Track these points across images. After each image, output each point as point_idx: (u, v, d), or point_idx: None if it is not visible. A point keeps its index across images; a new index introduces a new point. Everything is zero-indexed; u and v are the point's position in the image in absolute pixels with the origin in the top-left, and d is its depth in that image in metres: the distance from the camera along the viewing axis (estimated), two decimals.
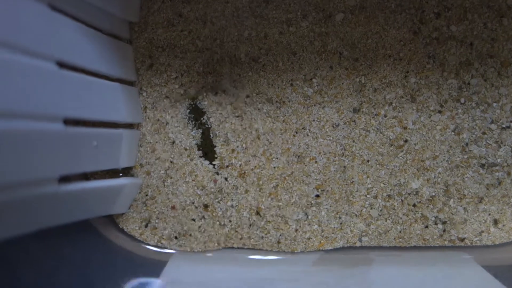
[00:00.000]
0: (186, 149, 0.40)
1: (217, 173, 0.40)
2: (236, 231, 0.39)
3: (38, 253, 0.32)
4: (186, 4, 0.40)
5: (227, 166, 0.39)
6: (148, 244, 0.39)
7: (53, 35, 0.28)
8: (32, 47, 0.26)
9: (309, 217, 0.39)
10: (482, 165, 0.39)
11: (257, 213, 0.39)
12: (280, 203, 0.39)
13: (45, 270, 0.32)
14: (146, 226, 0.39)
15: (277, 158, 0.40)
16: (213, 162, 0.40)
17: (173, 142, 0.40)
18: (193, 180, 0.40)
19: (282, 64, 0.40)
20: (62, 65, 0.29)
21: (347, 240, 0.39)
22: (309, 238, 0.39)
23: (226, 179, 0.40)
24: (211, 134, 0.40)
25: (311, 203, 0.39)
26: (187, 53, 0.41)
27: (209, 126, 0.40)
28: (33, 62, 0.26)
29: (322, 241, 0.39)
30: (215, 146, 0.40)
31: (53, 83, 0.27)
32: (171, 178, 0.40)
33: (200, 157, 0.40)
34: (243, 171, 0.39)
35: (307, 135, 0.40)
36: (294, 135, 0.40)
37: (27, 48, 0.25)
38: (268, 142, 0.39)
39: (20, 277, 0.30)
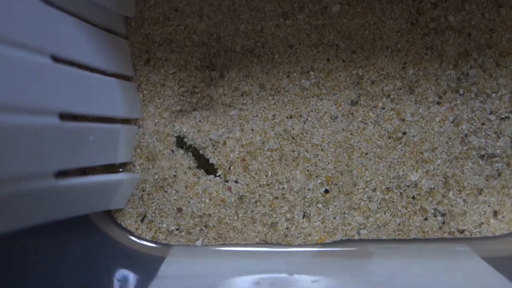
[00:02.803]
0: (190, 168, 0.39)
1: (226, 181, 0.39)
2: (241, 226, 0.39)
3: (37, 248, 0.33)
4: None
5: (230, 168, 0.39)
6: (145, 239, 0.39)
7: (47, 29, 0.28)
8: (26, 41, 0.26)
9: (313, 213, 0.39)
10: (482, 156, 0.39)
11: (260, 205, 0.39)
12: (284, 197, 0.39)
13: (44, 265, 0.32)
14: (142, 220, 0.39)
15: (252, 120, 0.39)
16: (217, 174, 0.39)
17: (172, 150, 0.40)
18: (210, 200, 0.39)
19: (278, 57, 0.40)
20: (56, 59, 0.29)
21: (346, 233, 0.39)
22: (309, 234, 0.39)
23: (236, 181, 0.39)
24: (200, 151, 0.39)
25: (319, 200, 0.39)
26: (184, 48, 0.40)
27: (194, 144, 0.39)
28: (26, 56, 0.26)
29: (322, 237, 0.39)
30: (209, 159, 0.40)
31: (47, 77, 0.27)
32: (177, 192, 0.39)
33: (204, 175, 0.39)
34: (243, 159, 0.39)
35: (304, 122, 0.39)
36: (287, 117, 0.39)
37: (21, 42, 0.25)
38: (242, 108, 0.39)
39: (19, 270, 0.31)
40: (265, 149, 0.39)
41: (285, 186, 0.39)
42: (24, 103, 0.25)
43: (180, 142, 0.39)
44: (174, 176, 0.39)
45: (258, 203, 0.39)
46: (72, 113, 0.31)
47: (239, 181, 0.39)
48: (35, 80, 0.26)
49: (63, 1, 0.30)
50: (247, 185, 0.39)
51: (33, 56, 0.26)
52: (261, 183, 0.39)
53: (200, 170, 0.39)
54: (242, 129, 0.39)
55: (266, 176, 0.39)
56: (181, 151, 0.39)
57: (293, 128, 0.39)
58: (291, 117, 0.39)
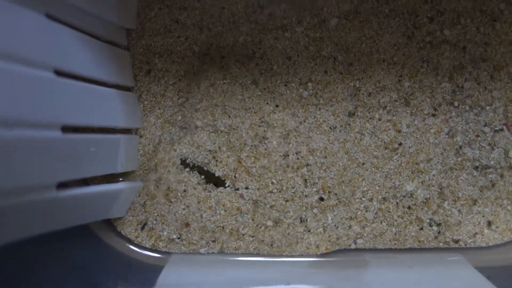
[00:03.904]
0: (199, 184, 0.40)
1: (237, 189, 0.40)
2: (252, 234, 0.40)
3: (37, 257, 0.33)
4: (182, 10, 0.41)
5: (235, 176, 0.40)
6: (144, 248, 0.39)
7: (50, 44, 0.29)
8: (30, 56, 0.27)
9: (311, 221, 0.40)
10: (476, 168, 0.39)
11: (274, 209, 0.40)
12: (284, 207, 0.40)
13: (44, 274, 0.33)
14: (143, 228, 0.40)
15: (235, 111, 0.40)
16: (226, 185, 0.40)
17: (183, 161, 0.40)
18: (225, 211, 0.39)
19: (277, 67, 0.40)
20: (59, 73, 0.30)
21: (343, 243, 0.40)
22: (317, 246, 0.39)
23: (247, 188, 0.40)
24: (204, 168, 0.40)
25: (314, 206, 0.40)
26: (184, 59, 0.41)
27: (197, 163, 0.40)
28: (30, 71, 0.26)
29: (328, 247, 0.39)
30: (214, 173, 0.40)
31: (50, 91, 0.28)
32: (187, 207, 0.39)
33: (214, 189, 0.40)
34: (240, 162, 0.40)
35: (300, 123, 0.40)
36: (267, 104, 0.40)
37: (25, 57, 0.26)
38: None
39: (19, 279, 0.31)
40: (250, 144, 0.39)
41: (287, 189, 0.40)
42: (28, 118, 0.26)
43: (184, 163, 0.40)
44: (184, 191, 0.39)
45: (273, 207, 0.40)
46: (74, 126, 0.31)
47: (249, 186, 0.40)
48: (39, 94, 0.27)
49: (65, 15, 0.31)
50: (258, 189, 0.40)
51: (37, 71, 0.27)
52: (269, 188, 0.40)
53: (209, 185, 0.40)
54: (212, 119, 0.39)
55: (269, 178, 0.40)
56: (187, 170, 0.40)
57: (274, 112, 0.39)
58: (277, 106, 0.40)
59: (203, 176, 0.40)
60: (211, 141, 0.40)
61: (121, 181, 0.39)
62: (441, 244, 0.39)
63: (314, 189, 0.40)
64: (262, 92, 0.40)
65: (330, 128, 0.40)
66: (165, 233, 0.40)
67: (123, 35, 0.40)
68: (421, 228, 0.39)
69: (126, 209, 0.40)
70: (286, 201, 0.40)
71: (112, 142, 0.37)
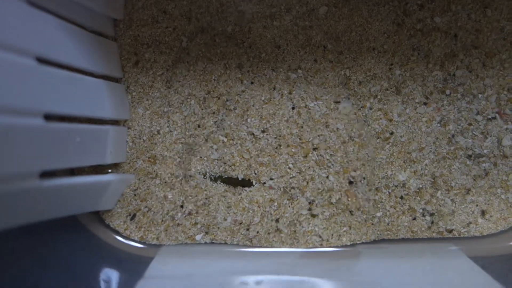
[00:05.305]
0: (226, 191, 0.39)
1: (264, 183, 0.39)
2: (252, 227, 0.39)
3: (24, 248, 0.33)
4: (170, 1, 0.41)
5: (256, 174, 0.39)
6: (133, 240, 0.38)
7: (31, 31, 0.28)
8: (9, 42, 0.26)
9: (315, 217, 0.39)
10: (469, 156, 0.39)
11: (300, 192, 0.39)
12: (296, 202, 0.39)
13: (30, 266, 0.32)
14: (132, 219, 0.39)
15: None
16: (253, 185, 0.39)
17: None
18: (259, 207, 0.39)
19: (265, 55, 0.40)
20: (42, 61, 0.29)
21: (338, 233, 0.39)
22: (319, 242, 0.39)
23: (271, 179, 0.39)
24: (223, 176, 0.39)
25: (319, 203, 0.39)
26: (173, 49, 0.41)
27: (215, 174, 0.39)
28: (10, 57, 0.26)
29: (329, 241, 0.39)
30: (237, 178, 0.39)
31: (31, 78, 0.28)
32: (214, 212, 0.39)
33: (244, 190, 0.39)
34: (241, 155, 0.39)
35: (282, 96, 0.39)
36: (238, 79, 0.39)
37: (3, 43, 0.26)
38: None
39: (5, 272, 0.30)
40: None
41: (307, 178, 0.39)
42: (7, 104, 0.25)
43: (205, 177, 0.40)
44: (206, 198, 0.39)
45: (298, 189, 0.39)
46: (58, 114, 0.31)
47: (273, 177, 0.39)
48: (18, 81, 0.26)
49: (49, 3, 0.31)
50: (281, 176, 0.39)
51: (17, 57, 0.27)
52: (290, 172, 0.39)
53: (237, 188, 0.39)
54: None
55: (284, 164, 0.39)
56: (210, 183, 0.39)
57: (244, 91, 0.39)
58: (252, 83, 0.39)
59: (229, 185, 0.39)
60: (214, 148, 0.39)
61: (109, 172, 0.39)
62: (434, 234, 0.39)
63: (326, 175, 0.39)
64: (242, 75, 0.39)
65: (335, 102, 0.39)
66: (155, 224, 0.39)
67: (110, 25, 0.40)
68: (414, 218, 0.39)
69: (115, 201, 0.39)
70: (307, 182, 0.39)
71: (100, 132, 0.36)
